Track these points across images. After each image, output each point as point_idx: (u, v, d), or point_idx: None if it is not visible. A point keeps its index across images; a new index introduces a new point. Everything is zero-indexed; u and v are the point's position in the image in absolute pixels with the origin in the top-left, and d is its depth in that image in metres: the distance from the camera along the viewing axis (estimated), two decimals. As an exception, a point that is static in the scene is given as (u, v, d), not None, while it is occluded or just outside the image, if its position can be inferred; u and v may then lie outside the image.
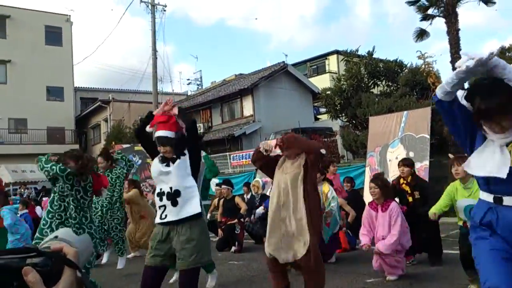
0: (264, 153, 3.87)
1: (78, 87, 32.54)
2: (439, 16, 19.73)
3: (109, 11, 74.96)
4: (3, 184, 9.21)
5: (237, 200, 8.46)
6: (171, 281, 5.22)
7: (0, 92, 27.18)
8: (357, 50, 15.86)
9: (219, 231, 8.54)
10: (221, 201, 8.87)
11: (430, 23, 20.45)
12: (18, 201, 10.32)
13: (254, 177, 12.34)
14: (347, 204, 7.01)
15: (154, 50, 20.66)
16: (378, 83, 15.22)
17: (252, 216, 8.15)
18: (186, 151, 3.51)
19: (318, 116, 25.45)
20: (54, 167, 4.03)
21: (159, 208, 3.50)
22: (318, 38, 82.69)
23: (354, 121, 14.64)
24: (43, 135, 28.45)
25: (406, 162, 5.87)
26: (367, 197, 6.64)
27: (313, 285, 3.69)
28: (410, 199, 5.71)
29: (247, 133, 20.18)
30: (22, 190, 18.77)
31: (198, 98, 26.10)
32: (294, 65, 26.34)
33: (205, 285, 5.12)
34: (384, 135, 10.26)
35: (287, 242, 3.65)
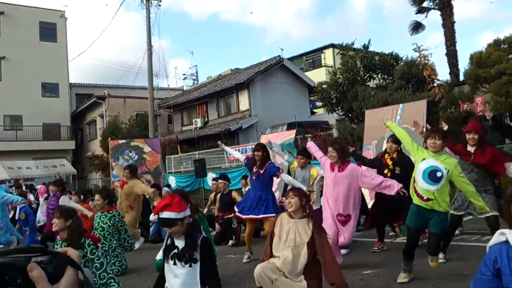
0: None
1: (73, 83, 32.42)
2: (434, 8, 19.82)
3: (103, 6, 74.51)
4: None
5: (234, 194, 8.49)
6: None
7: (-5, 89, 27.06)
8: (352, 44, 15.86)
9: (216, 225, 8.57)
10: (218, 195, 8.89)
11: (426, 16, 20.59)
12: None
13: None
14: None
15: (149, 45, 20.60)
16: (374, 76, 15.23)
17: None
18: (198, 257, 3.36)
19: (314, 110, 25.48)
20: None
21: None
22: (314, 32, 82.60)
23: (350, 115, 14.67)
24: (39, 131, 28.36)
25: (396, 139, 6.05)
26: (364, 191, 6.67)
27: None
28: (388, 173, 5.92)
29: (243, 128, 20.18)
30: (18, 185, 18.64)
31: (194, 93, 26.05)
32: (290, 59, 26.32)
33: None
34: (380, 128, 10.25)
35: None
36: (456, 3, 21.47)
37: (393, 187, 4.94)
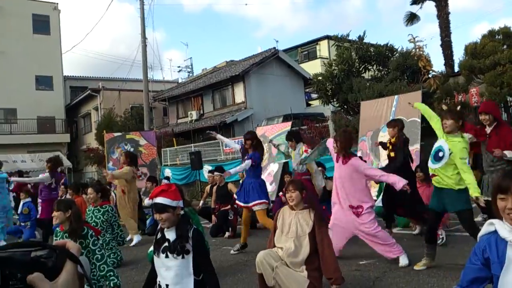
0: None
1: (67, 76, 32.23)
2: (429, -1, 19.82)
3: (97, -2, 73.81)
4: None
5: (230, 186, 8.51)
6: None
7: (-12, 82, 26.86)
8: (348, 35, 15.80)
9: (213, 217, 8.60)
10: (214, 188, 8.91)
11: (421, 7, 20.58)
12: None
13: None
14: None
15: (144, 37, 20.43)
16: (369, 67, 15.21)
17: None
18: (190, 248, 3.31)
19: (310, 102, 25.45)
20: None
21: None
22: (309, 24, 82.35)
23: (345, 106, 14.66)
24: (34, 124, 28.24)
25: (390, 124, 6.33)
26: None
27: None
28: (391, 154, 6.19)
29: (239, 120, 20.16)
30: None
31: (189, 86, 25.95)
32: (285, 51, 26.25)
33: None
34: (376, 120, 10.29)
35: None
36: (451, -6, 21.41)
37: (397, 184, 4.87)
